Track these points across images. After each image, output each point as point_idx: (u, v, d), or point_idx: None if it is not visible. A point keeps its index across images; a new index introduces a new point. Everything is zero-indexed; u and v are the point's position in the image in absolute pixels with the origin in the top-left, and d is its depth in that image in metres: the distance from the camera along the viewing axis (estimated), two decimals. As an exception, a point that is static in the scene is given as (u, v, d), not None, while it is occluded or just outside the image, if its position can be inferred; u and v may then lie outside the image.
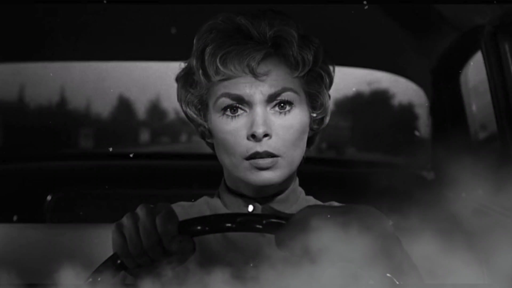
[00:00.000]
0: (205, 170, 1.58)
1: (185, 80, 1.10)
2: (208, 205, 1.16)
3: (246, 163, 1.04)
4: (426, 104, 2.11)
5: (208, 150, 1.16)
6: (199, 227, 0.92)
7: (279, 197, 1.11)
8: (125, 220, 0.92)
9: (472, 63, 1.79)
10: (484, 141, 1.92)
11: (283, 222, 0.89)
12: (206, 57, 1.05)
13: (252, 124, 1.03)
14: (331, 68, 1.11)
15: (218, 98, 1.05)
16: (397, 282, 0.85)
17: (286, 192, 1.11)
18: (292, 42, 1.05)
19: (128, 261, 0.92)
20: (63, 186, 2.23)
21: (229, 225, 0.91)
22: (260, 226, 0.91)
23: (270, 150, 1.03)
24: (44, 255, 1.37)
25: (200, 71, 1.06)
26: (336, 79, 1.13)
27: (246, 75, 1.03)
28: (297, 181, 1.15)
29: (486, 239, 1.28)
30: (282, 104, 1.05)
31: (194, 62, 1.07)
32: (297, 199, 1.14)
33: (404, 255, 0.89)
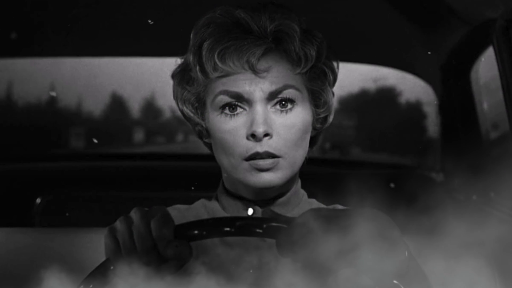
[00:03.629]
0: (203, 171, 1.58)
1: (181, 76, 1.10)
2: (205, 208, 1.16)
3: (246, 164, 1.04)
4: (435, 102, 2.12)
5: (205, 150, 1.16)
6: (196, 231, 0.92)
7: (280, 199, 1.11)
8: (119, 224, 0.92)
9: (483, 59, 1.79)
10: (496, 141, 1.92)
11: (285, 226, 0.89)
12: (204, 53, 1.04)
13: (252, 123, 1.03)
14: (335, 64, 1.11)
15: (216, 95, 1.05)
16: (404, 289, 0.85)
17: (288, 194, 1.11)
18: (294, 37, 1.05)
19: (121, 267, 0.92)
20: (53, 188, 2.23)
21: (228, 229, 0.91)
22: (260, 231, 0.91)
23: (271, 150, 1.03)
24: (33, 260, 1.37)
25: (197, 68, 1.06)
26: (340, 76, 1.13)
27: (246, 72, 1.03)
28: (299, 183, 1.14)
29: (497, 244, 1.28)
30: (283, 102, 1.04)
31: (191, 58, 1.07)
32: (299, 202, 1.14)
33: (412, 261, 0.89)
